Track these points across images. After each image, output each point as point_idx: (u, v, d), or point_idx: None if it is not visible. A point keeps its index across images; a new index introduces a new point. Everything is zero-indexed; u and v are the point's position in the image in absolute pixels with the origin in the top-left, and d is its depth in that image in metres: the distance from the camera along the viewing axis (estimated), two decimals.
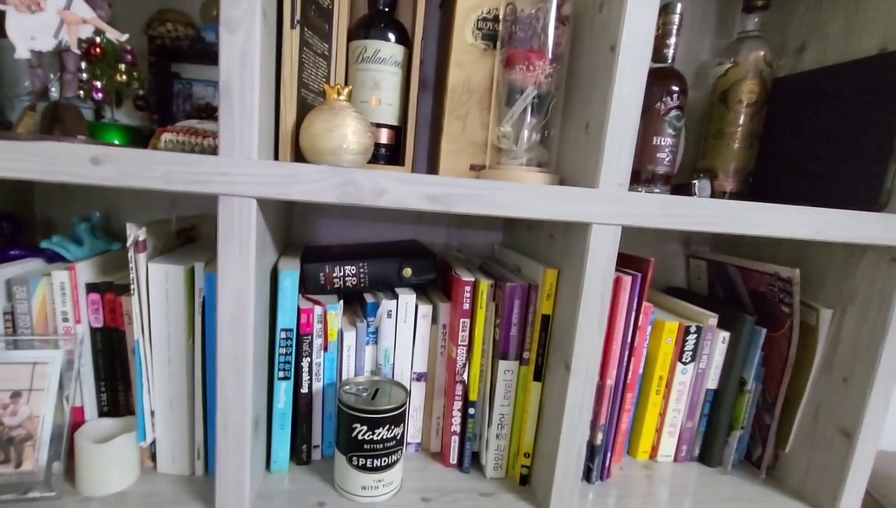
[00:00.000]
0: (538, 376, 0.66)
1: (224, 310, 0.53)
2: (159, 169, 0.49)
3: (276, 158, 0.59)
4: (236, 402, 0.55)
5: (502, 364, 0.68)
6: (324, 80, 0.64)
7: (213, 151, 0.58)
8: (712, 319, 0.75)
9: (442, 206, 0.53)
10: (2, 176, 0.48)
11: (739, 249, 0.89)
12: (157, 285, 0.61)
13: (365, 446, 0.62)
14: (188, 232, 0.76)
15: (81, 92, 0.58)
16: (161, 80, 0.74)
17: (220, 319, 0.53)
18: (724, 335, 0.76)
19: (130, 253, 0.59)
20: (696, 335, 0.75)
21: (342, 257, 0.72)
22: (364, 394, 0.65)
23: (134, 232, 0.58)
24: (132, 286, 0.60)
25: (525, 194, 0.54)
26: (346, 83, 0.68)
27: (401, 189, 0.52)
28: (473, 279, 0.67)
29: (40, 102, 0.54)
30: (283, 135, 0.58)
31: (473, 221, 0.91)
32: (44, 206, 0.81)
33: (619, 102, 0.53)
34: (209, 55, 0.73)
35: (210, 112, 0.65)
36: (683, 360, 0.76)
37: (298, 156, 0.60)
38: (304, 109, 0.61)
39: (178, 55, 0.74)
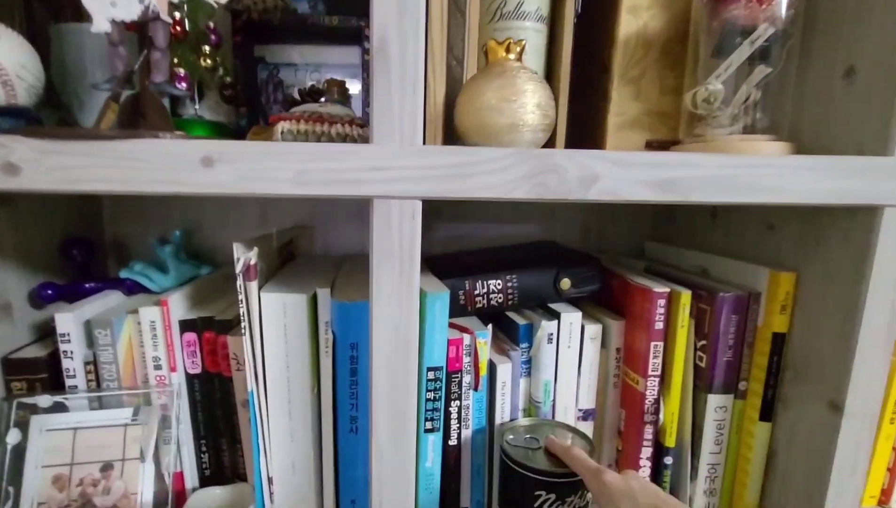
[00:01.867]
0: (766, 414, 0.50)
1: (379, 350, 0.39)
2: (291, 168, 0.35)
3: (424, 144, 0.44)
4: (397, 472, 0.41)
5: (712, 399, 0.52)
6: (462, 42, 0.50)
7: (343, 140, 0.44)
8: None
9: (675, 195, 0.38)
10: (81, 190, 0.35)
11: None
12: (274, 320, 0.47)
13: None
14: (287, 247, 0.63)
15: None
16: (246, 65, 0.61)
17: (375, 364, 0.39)
18: None
19: (239, 282, 0.46)
20: None
21: (483, 270, 0.57)
22: (536, 447, 0.50)
23: (244, 254, 0.45)
24: (242, 323, 0.46)
25: (788, 172, 0.38)
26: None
27: (617, 175, 0.37)
28: (668, 290, 0.51)
29: (125, 92, 0.41)
30: (430, 114, 0.44)
31: (614, 213, 0.75)
32: (114, 226, 0.69)
33: None
34: (304, 30, 0.60)
35: (317, 97, 0.52)
36: None
37: (448, 141, 0.46)
38: (450, 79, 0.46)
39: (266, 33, 0.61)
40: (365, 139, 0.47)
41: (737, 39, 0.45)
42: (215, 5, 0.40)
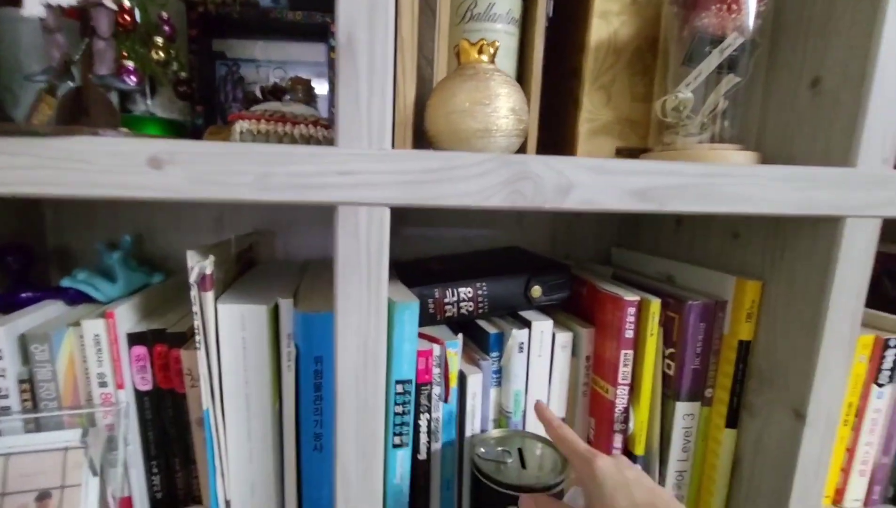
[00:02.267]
0: (732, 421, 0.51)
1: (345, 364, 0.37)
2: (252, 171, 0.33)
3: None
4: (364, 492, 0.39)
5: (680, 407, 0.52)
6: (432, 43, 0.48)
7: (307, 142, 0.42)
8: None
9: (652, 204, 0.37)
10: (12, 192, 0.31)
11: None
12: (231, 333, 0.44)
13: None
14: (246, 254, 0.60)
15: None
16: (203, 61, 0.57)
17: (341, 379, 0.37)
18: None
19: (194, 293, 0.42)
20: None
21: (452, 277, 0.56)
22: (509, 460, 0.49)
23: (198, 264, 0.42)
24: (197, 337, 0.43)
25: (761, 182, 0.38)
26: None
27: (595, 183, 0.36)
28: (639, 299, 0.51)
29: (60, 86, 0.37)
30: (399, 117, 0.42)
31: (580, 219, 0.75)
32: (57, 231, 0.64)
33: (890, 42, 0.37)
34: (266, 25, 0.57)
35: (280, 96, 0.49)
36: (879, 381, 0.60)
37: (417, 146, 0.44)
38: (420, 81, 0.44)
39: (225, 27, 0.57)
40: (330, 141, 0.45)
41: (706, 48, 0.45)
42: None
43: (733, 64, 0.45)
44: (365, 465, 0.39)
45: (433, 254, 0.73)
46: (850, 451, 0.62)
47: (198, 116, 0.57)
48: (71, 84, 0.41)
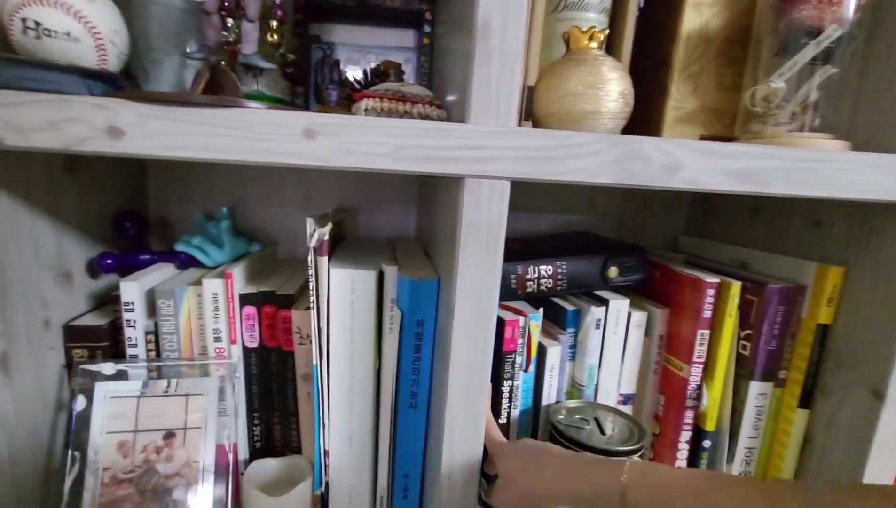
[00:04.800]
0: (805, 401, 0.52)
1: (460, 327, 0.40)
2: (390, 143, 0.36)
3: None
4: (467, 449, 0.43)
5: (753, 387, 0.54)
6: (525, 31, 0.51)
7: (424, 120, 0.45)
8: None
9: (751, 185, 0.39)
10: (185, 156, 0.36)
11: None
12: (341, 296, 0.48)
13: None
14: (337, 229, 0.64)
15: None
16: (305, 43, 0.61)
17: (456, 339, 0.40)
18: None
19: (311, 256, 0.46)
20: None
21: (532, 256, 0.58)
22: (587, 427, 0.52)
23: (318, 230, 0.46)
24: (311, 298, 0.47)
25: (855, 167, 0.40)
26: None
27: (700, 164, 0.39)
28: (718, 280, 0.53)
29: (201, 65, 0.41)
30: None
31: (650, 207, 0.77)
32: (158, 201, 0.69)
33: None
34: (364, 12, 0.60)
35: (384, 79, 0.52)
36: None
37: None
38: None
39: (328, 12, 0.61)
40: (444, 120, 0.48)
41: (802, 40, 0.47)
42: None
43: (829, 55, 0.47)
44: (471, 418, 0.42)
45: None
46: None
47: (298, 97, 0.61)
48: (213, 61, 0.45)
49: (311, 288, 0.47)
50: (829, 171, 0.40)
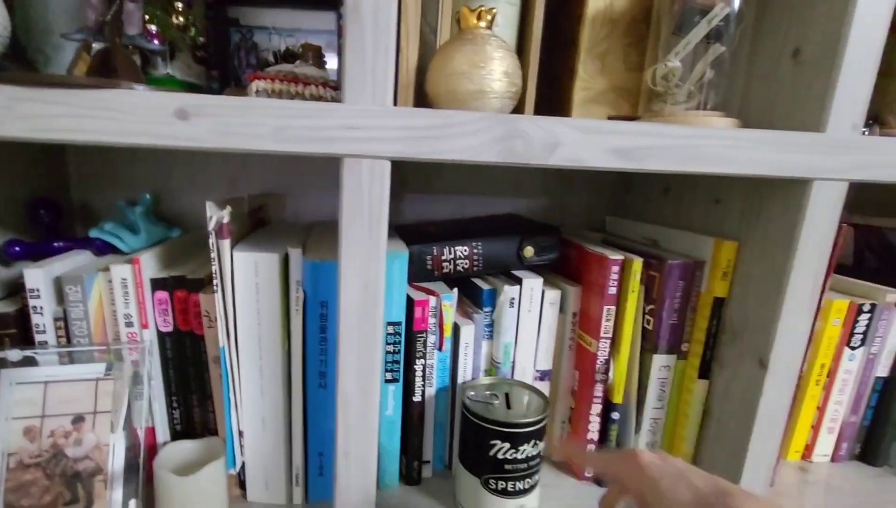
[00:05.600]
0: (704, 372, 0.55)
1: (348, 307, 0.41)
2: (268, 124, 0.36)
3: None
4: (362, 424, 0.44)
5: (657, 359, 0.56)
6: (436, 11, 0.51)
7: (317, 102, 0.45)
8: (891, 295, 0.63)
9: (632, 162, 0.41)
10: (60, 138, 0.35)
11: (891, 210, 0.77)
12: (245, 279, 0.49)
13: (507, 466, 0.50)
14: (257, 214, 0.64)
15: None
16: (218, 27, 0.60)
17: (343, 318, 0.41)
18: None
19: (212, 240, 0.47)
20: (869, 315, 0.63)
21: (449, 237, 0.59)
22: (496, 401, 0.54)
23: (217, 214, 0.46)
24: (214, 281, 0.47)
25: (734, 144, 0.42)
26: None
27: (580, 141, 0.40)
28: (622, 258, 0.54)
29: (96, 44, 0.41)
30: (402, 79, 0.45)
31: (575, 188, 0.78)
32: (80, 188, 0.68)
33: (863, 15, 0.40)
34: None
35: (292, 60, 0.52)
36: (852, 344, 0.64)
37: (418, 106, 0.47)
38: (423, 46, 0.47)
39: None
40: (338, 102, 0.48)
41: (696, 18, 0.48)
42: None
43: (720, 34, 0.48)
44: (363, 397, 0.43)
45: (433, 218, 0.76)
46: (821, 409, 0.67)
47: (213, 81, 0.60)
48: (100, 45, 0.44)
49: (213, 272, 0.47)
50: (704, 148, 0.41)
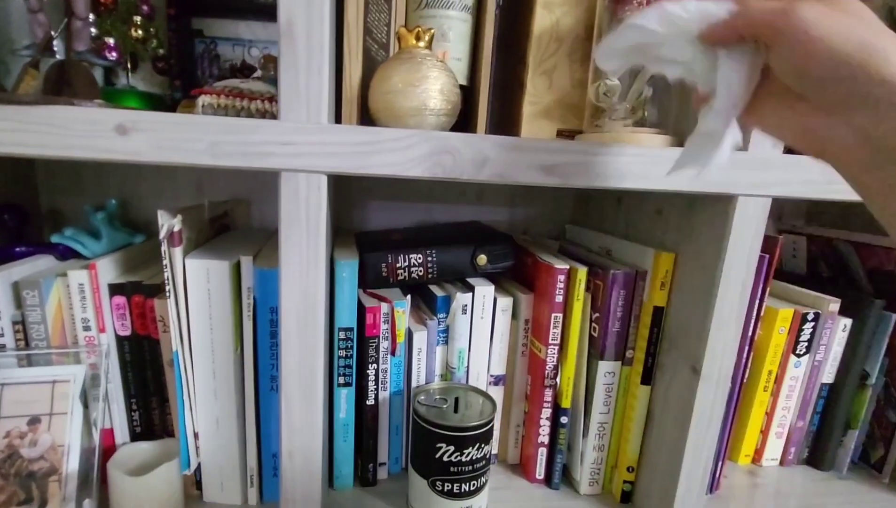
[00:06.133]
0: (647, 378, 0.56)
1: (288, 313, 0.43)
2: (205, 139, 0.38)
3: (339, 123, 0.47)
4: (305, 424, 0.45)
5: (602, 365, 0.58)
6: (386, 27, 0.53)
7: (263, 116, 0.47)
8: (833, 304, 0.64)
9: (558, 178, 0.42)
10: (4, 152, 0.37)
11: (847, 221, 0.78)
12: (198, 285, 0.50)
13: (451, 468, 0.52)
14: (221, 220, 0.65)
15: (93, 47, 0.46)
16: (182, 38, 0.62)
17: (284, 324, 0.43)
18: (846, 322, 0.65)
19: (164, 247, 0.48)
20: (813, 324, 0.65)
21: (405, 245, 0.61)
22: (444, 406, 0.55)
23: (167, 221, 0.48)
24: (167, 287, 0.49)
25: (660, 161, 0.43)
26: None
27: (507, 158, 0.41)
28: (568, 267, 0.56)
29: (45, 60, 0.42)
30: (346, 95, 0.47)
31: (539, 197, 0.80)
32: (49, 194, 0.70)
33: None
34: (240, 6, 0.61)
35: (247, 74, 0.54)
36: (797, 352, 0.66)
37: (364, 121, 0.49)
38: (368, 62, 0.49)
39: (201, 6, 0.62)
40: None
41: None
42: None
43: None
44: (306, 400, 0.45)
45: (398, 226, 0.78)
46: (769, 415, 0.68)
47: (176, 91, 0.62)
48: (56, 59, 0.46)
49: (165, 278, 0.49)
50: (627, 164, 0.43)
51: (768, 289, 0.56)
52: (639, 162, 0.43)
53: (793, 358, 0.66)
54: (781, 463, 0.71)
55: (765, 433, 0.69)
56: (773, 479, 0.68)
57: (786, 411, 0.68)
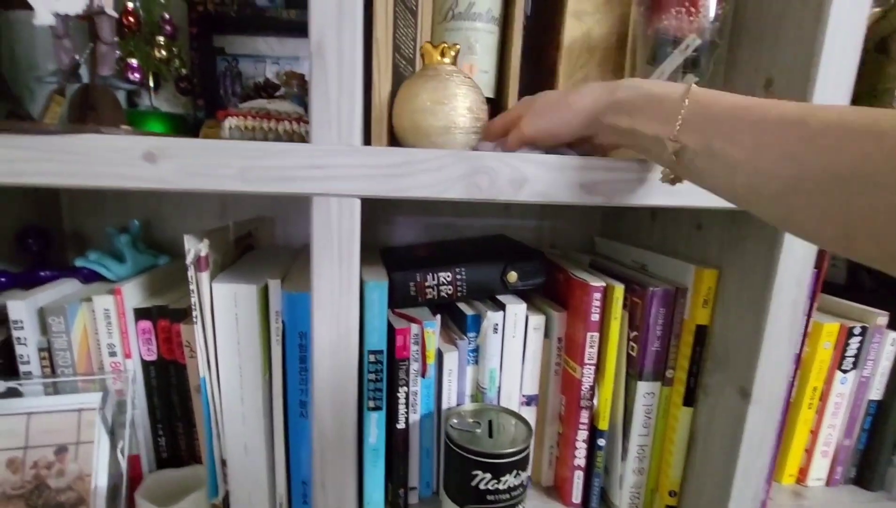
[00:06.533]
0: (689, 400, 0.54)
1: (321, 339, 0.41)
2: (234, 165, 0.37)
3: (369, 144, 0.46)
4: (338, 453, 0.44)
5: (641, 386, 0.55)
6: (412, 42, 0.51)
7: (290, 137, 0.46)
8: (881, 317, 0.61)
9: (599, 197, 0.40)
10: (23, 183, 0.36)
11: None
12: (225, 310, 0.49)
13: (488, 497, 0.50)
14: (245, 240, 0.64)
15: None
16: (204, 57, 0.61)
17: (317, 351, 0.41)
18: (895, 336, 0.62)
19: (191, 272, 0.47)
20: (860, 338, 0.62)
21: (433, 263, 0.59)
22: (478, 430, 0.53)
23: (194, 246, 0.46)
24: (194, 313, 0.48)
25: None
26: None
27: (547, 177, 0.40)
28: (604, 285, 0.54)
29: (70, 85, 0.41)
30: (375, 113, 0.46)
31: (567, 208, 0.78)
32: (72, 216, 0.70)
33: (834, 39, 0.40)
34: (262, 23, 0.60)
35: (271, 91, 0.53)
36: (843, 368, 0.63)
37: (392, 140, 0.48)
38: (396, 79, 0.48)
39: (222, 25, 0.61)
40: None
41: (668, 49, 0.48)
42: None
43: (695, 64, 0.48)
44: (339, 426, 0.43)
45: (423, 240, 0.77)
46: (814, 433, 0.65)
47: (199, 110, 0.61)
48: (81, 83, 0.45)
49: (192, 303, 0.48)
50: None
51: (815, 305, 0.53)
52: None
53: (839, 374, 0.63)
54: (827, 484, 0.67)
55: (810, 452, 0.66)
56: (820, 501, 0.65)
57: (832, 429, 0.65)
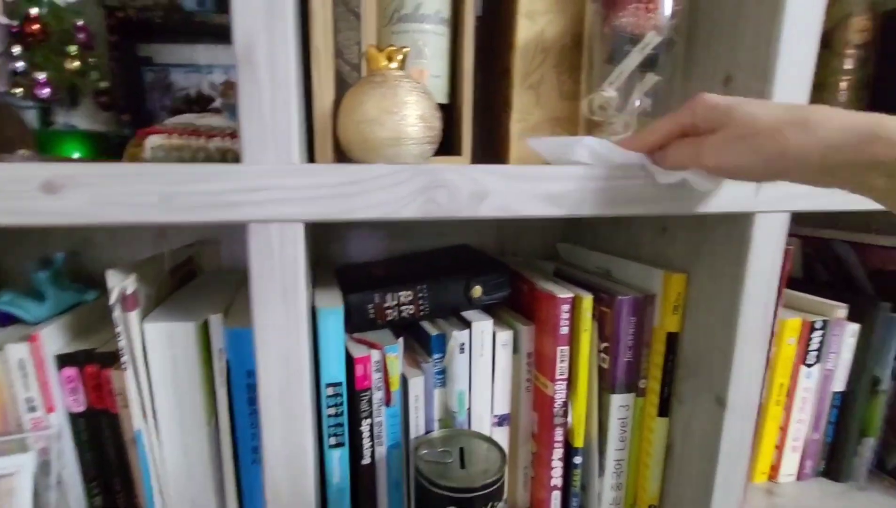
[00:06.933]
0: (664, 410, 0.52)
1: (268, 383, 0.37)
2: (155, 191, 0.32)
3: (312, 159, 0.42)
4: (295, 499, 0.39)
5: (615, 399, 0.53)
6: (356, 46, 0.48)
7: (224, 157, 0.41)
8: (841, 310, 0.62)
9: (565, 209, 0.38)
10: None
11: (837, 221, 0.77)
12: (160, 352, 0.44)
13: None
14: (185, 267, 0.59)
15: (20, 88, 0.39)
16: (127, 67, 0.55)
17: (264, 398, 0.37)
18: (854, 327, 0.63)
19: (116, 313, 0.42)
20: (822, 332, 0.62)
21: (393, 281, 0.56)
22: (449, 460, 0.50)
23: (118, 283, 0.41)
24: (123, 358, 0.42)
25: (669, 181, 0.39)
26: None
27: (508, 189, 0.37)
28: (572, 296, 0.52)
29: None
30: (318, 125, 0.42)
31: None
32: None
33: (792, 35, 0.39)
34: (192, 29, 0.55)
35: (204, 104, 0.48)
36: (808, 362, 0.63)
37: (339, 155, 0.44)
38: (340, 86, 0.44)
39: (147, 32, 0.56)
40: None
41: (626, 47, 0.46)
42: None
43: (653, 63, 0.46)
44: (294, 472, 0.39)
45: (380, 254, 0.73)
46: (783, 429, 0.65)
47: (125, 126, 0.55)
48: None
49: (120, 347, 0.42)
50: (638, 188, 0.39)
51: (781, 303, 0.53)
52: (650, 186, 0.39)
53: (803, 369, 0.63)
54: (798, 478, 0.68)
55: (780, 448, 0.66)
56: (792, 496, 0.65)
57: (800, 423, 0.65)
